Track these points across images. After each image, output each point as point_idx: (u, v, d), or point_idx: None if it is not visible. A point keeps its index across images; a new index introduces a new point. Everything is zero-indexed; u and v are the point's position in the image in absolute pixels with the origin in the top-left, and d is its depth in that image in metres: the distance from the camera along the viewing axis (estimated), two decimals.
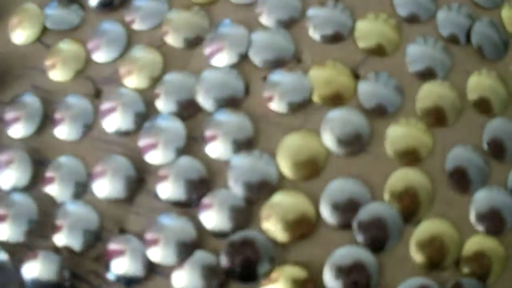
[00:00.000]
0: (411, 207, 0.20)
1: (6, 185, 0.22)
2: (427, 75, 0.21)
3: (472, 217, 0.21)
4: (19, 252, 0.21)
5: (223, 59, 0.21)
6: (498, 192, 0.21)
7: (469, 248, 0.20)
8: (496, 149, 0.21)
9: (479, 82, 0.22)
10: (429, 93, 0.21)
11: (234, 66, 0.21)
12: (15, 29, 0.23)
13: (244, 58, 0.21)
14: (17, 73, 0.23)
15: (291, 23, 0.21)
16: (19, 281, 0.21)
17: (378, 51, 0.21)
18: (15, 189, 0.21)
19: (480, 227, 0.21)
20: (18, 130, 0.22)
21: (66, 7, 0.23)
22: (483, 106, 0.21)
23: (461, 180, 0.21)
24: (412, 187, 0.20)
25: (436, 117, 0.21)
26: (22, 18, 0.23)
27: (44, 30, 0.23)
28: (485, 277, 0.20)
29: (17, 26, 0.23)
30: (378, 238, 0.20)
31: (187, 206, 0.20)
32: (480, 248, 0.20)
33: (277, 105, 0.21)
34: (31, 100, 0.22)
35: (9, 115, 0.22)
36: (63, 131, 0.22)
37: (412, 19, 0.22)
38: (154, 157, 0.21)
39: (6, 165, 0.22)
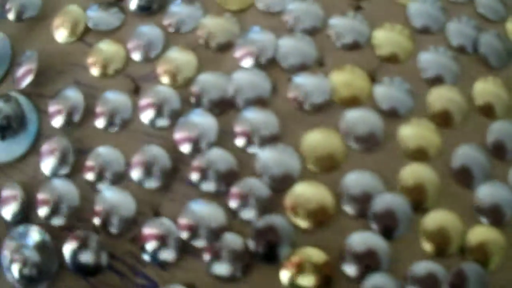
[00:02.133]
0: (419, 199, 0.23)
1: (50, 172, 0.24)
2: (437, 80, 0.24)
3: (475, 209, 0.23)
4: (60, 233, 0.24)
5: (252, 61, 0.24)
6: (499, 187, 0.24)
7: (472, 237, 0.23)
8: (498, 149, 0.24)
9: (485, 88, 0.24)
10: (439, 97, 0.24)
11: (262, 69, 0.24)
12: (58, 29, 0.26)
13: (271, 61, 0.24)
14: (60, 69, 0.25)
15: (314, 31, 0.24)
16: (59, 261, 0.24)
17: (393, 58, 0.24)
18: (57, 176, 0.24)
19: (482, 219, 0.23)
20: (60, 122, 0.25)
21: (106, 10, 0.26)
22: (487, 110, 0.24)
23: (466, 176, 0.24)
24: (421, 181, 0.23)
25: (444, 119, 0.24)
26: (65, 18, 0.26)
27: (86, 30, 0.26)
28: (487, 264, 0.23)
29: (61, 26, 0.26)
30: (390, 226, 0.23)
31: (217, 194, 0.23)
32: (482, 237, 0.23)
33: (300, 105, 0.24)
34: (74, 94, 0.25)
35: (53, 107, 0.25)
36: (103, 124, 0.24)
37: (424, 30, 0.25)
38: (188, 149, 0.24)
39: (49, 153, 0.24)
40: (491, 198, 0.24)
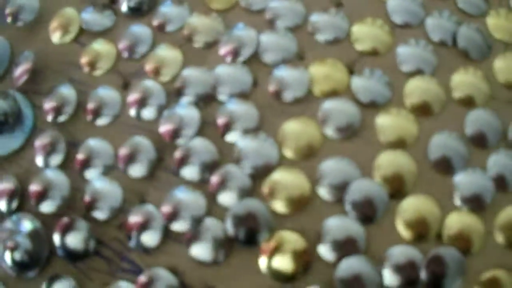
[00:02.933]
0: (396, 185, 0.24)
1: (43, 164, 0.26)
2: (415, 72, 0.25)
3: (454, 195, 0.24)
4: (51, 221, 0.25)
5: (235, 57, 0.25)
6: (477, 174, 0.24)
7: (450, 223, 0.24)
8: (477, 138, 0.25)
9: (464, 79, 0.25)
10: (416, 87, 0.25)
11: (244, 63, 0.25)
12: (55, 30, 0.27)
13: (253, 56, 0.25)
14: (55, 68, 0.27)
15: (296, 27, 0.26)
16: (50, 247, 0.25)
17: (372, 52, 0.25)
18: (50, 167, 0.26)
19: (460, 205, 0.24)
20: (53, 116, 0.26)
21: (100, 12, 0.27)
22: (467, 101, 0.25)
23: (443, 164, 0.24)
24: (397, 168, 0.24)
25: (422, 109, 0.25)
26: (61, 20, 0.27)
27: (80, 31, 0.27)
28: (465, 249, 0.24)
29: (57, 28, 0.27)
30: (366, 212, 0.24)
31: (199, 181, 0.24)
32: (461, 223, 0.24)
33: (279, 96, 0.25)
34: (67, 90, 0.26)
35: (47, 104, 0.26)
36: (93, 118, 0.26)
37: (404, 25, 0.26)
38: (171, 139, 0.25)
39: (43, 146, 0.26)
40: (470, 184, 0.24)
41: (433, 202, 0.24)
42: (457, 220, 0.24)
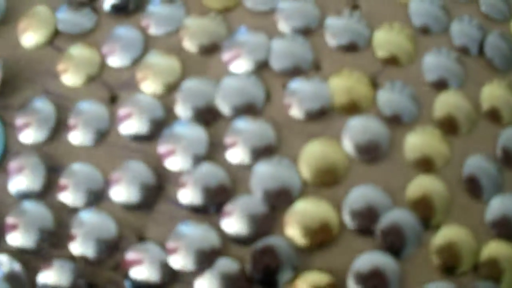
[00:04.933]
0: (428, 214, 0.22)
1: (18, 193, 0.22)
2: (441, 84, 0.23)
3: (487, 223, 0.22)
4: (33, 261, 0.22)
5: (241, 66, 0.22)
6: (510, 198, 0.22)
7: (485, 254, 0.22)
8: (508, 158, 0.23)
9: (491, 92, 0.23)
10: (444, 103, 0.23)
11: (253, 73, 0.22)
12: (25, 33, 0.24)
13: (263, 65, 0.23)
14: (27, 77, 0.23)
15: (308, 31, 0.23)
16: None
17: (394, 60, 0.23)
18: (27, 197, 0.22)
19: (494, 233, 0.22)
20: (30, 136, 0.23)
21: (77, 11, 0.24)
22: (494, 115, 0.23)
23: (475, 188, 0.22)
24: (429, 194, 0.22)
25: (450, 126, 0.23)
26: (32, 21, 0.24)
27: (56, 34, 0.24)
28: (499, 280, 0.22)
29: (27, 29, 0.24)
30: (398, 243, 0.21)
31: (208, 213, 0.21)
32: (495, 253, 0.22)
33: (297, 112, 0.22)
34: (44, 105, 0.23)
35: (20, 120, 0.23)
36: (77, 137, 0.22)
37: (426, 30, 0.23)
38: (173, 164, 0.22)
39: (17, 172, 0.22)
40: (503, 211, 0.22)
41: (466, 231, 0.22)
42: (491, 250, 0.22)
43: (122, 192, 0.22)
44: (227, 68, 0.22)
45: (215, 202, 0.21)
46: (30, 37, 0.23)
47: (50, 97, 0.23)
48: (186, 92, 0.22)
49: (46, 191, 0.22)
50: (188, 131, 0.22)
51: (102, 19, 0.24)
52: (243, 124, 0.22)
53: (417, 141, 0.22)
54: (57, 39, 0.23)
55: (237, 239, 0.21)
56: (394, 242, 0.21)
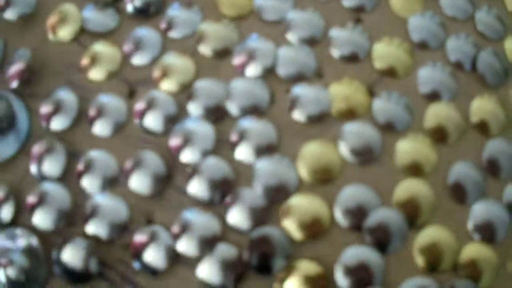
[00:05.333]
0: (414, 214, 0.24)
1: (39, 174, 0.25)
2: (434, 96, 0.25)
3: (469, 226, 0.24)
4: (49, 238, 0.24)
5: (250, 70, 0.25)
6: (493, 205, 0.24)
7: (465, 255, 0.24)
8: (493, 167, 0.25)
9: (480, 106, 0.25)
10: (435, 113, 0.25)
11: (260, 77, 0.25)
12: (53, 27, 0.26)
13: (269, 71, 0.25)
14: (53, 69, 0.26)
15: (314, 41, 0.25)
16: (48, 266, 0.24)
17: (392, 72, 0.25)
18: (47, 178, 0.25)
19: (476, 236, 0.24)
20: (52, 123, 0.25)
21: (102, 11, 0.26)
22: (482, 127, 0.25)
23: (460, 193, 0.24)
24: (415, 197, 0.24)
25: (440, 135, 0.25)
26: (60, 17, 0.26)
27: (81, 31, 0.26)
28: (478, 281, 0.24)
29: (55, 25, 0.26)
30: (383, 240, 0.24)
31: (212, 203, 0.24)
32: (474, 254, 0.24)
33: (298, 115, 0.24)
34: (67, 95, 0.25)
35: (45, 108, 0.25)
36: (96, 127, 0.25)
37: (424, 45, 0.25)
38: (183, 156, 0.24)
39: (39, 155, 0.25)
40: (485, 216, 0.24)
41: (449, 233, 0.24)
42: (472, 251, 0.24)
43: (134, 179, 0.24)
44: (237, 72, 0.25)
45: (218, 193, 0.24)
46: (57, 32, 0.26)
47: (73, 88, 0.25)
48: (198, 91, 0.24)
49: (65, 175, 0.24)
50: (198, 127, 0.24)
51: (125, 19, 0.26)
52: (248, 123, 0.24)
53: (408, 148, 0.24)
54: (82, 36, 0.26)
55: (236, 228, 0.23)
56: (380, 239, 0.24)
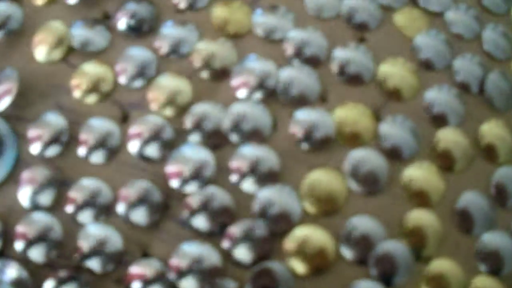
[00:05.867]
0: (420, 246, 0.23)
1: (29, 203, 0.24)
2: (441, 120, 0.24)
3: (477, 258, 0.24)
4: (40, 270, 0.23)
5: (250, 93, 0.24)
6: (501, 235, 0.24)
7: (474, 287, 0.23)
8: (501, 196, 0.24)
9: (489, 131, 0.25)
10: (443, 139, 0.24)
11: (261, 101, 0.24)
12: (40, 47, 0.25)
13: (271, 93, 0.24)
14: (41, 91, 0.25)
15: (316, 62, 0.24)
16: None
17: (397, 94, 0.24)
18: (37, 207, 0.24)
19: (483, 268, 0.24)
20: (41, 148, 0.24)
21: (92, 28, 0.25)
22: (491, 153, 0.25)
23: (467, 223, 0.24)
24: (422, 227, 0.23)
25: (447, 162, 0.24)
26: (48, 35, 0.25)
27: (70, 50, 0.25)
28: None
29: (43, 44, 0.25)
30: (390, 273, 0.23)
31: (211, 235, 0.23)
32: (482, 287, 0.23)
33: (301, 142, 0.23)
34: (56, 119, 0.24)
35: (33, 132, 0.24)
36: (88, 153, 0.24)
37: (429, 65, 0.25)
38: (180, 185, 0.23)
39: (28, 182, 0.24)
40: (492, 247, 0.24)
41: (457, 265, 0.23)
42: (479, 284, 0.24)
43: (129, 209, 0.23)
44: (236, 94, 0.24)
45: (218, 224, 0.23)
46: (44, 51, 0.25)
47: (62, 111, 0.24)
48: (196, 115, 0.23)
49: (56, 204, 0.23)
50: (196, 154, 0.23)
51: (116, 38, 0.25)
52: (249, 150, 0.23)
53: (414, 176, 0.24)
54: (71, 55, 0.25)
55: (238, 261, 0.23)
56: (386, 271, 0.23)
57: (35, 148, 0.24)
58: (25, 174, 0.24)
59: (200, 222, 0.23)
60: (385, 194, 0.23)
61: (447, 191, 0.24)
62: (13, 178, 0.24)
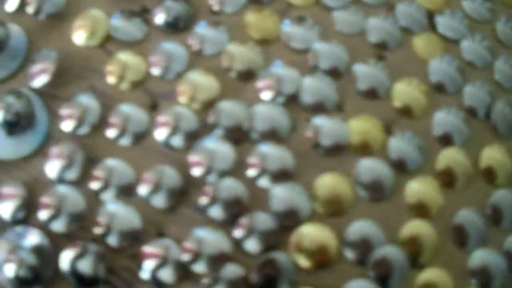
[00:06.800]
0: (416, 254, 0.26)
1: (55, 176, 0.26)
2: (446, 140, 0.27)
3: (467, 271, 0.26)
4: (59, 240, 0.25)
5: (272, 95, 0.26)
6: (492, 253, 0.26)
7: None
8: (496, 216, 0.26)
9: (490, 154, 0.27)
10: (446, 157, 0.26)
11: (282, 104, 0.26)
12: (79, 31, 0.27)
13: (292, 98, 0.26)
14: (76, 72, 0.27)
15: (336, 73, 0.26)
16: (55, 267, 0.25)
17: (408, 112, 0.27)
18: (63, 181, 0.26)
19: (473, 281, 0.26)
20: (72, 126, 0.26)
21: (130, 20, 0.27)
22: (490, 175, 0.27)
23: (462, 237, 0.26)
24: (419, 237, 0.26)
25: (448, 179, 0.26)
26: (87, 22, 0.27)
27: (108, 37, 0.27)
28: None
29: (82, 29, 0.27)
30: (385, 275, 0.25)
31: (224, 223, 0.25)
32: None
33: (316, 146, 0.26)
34: (88, 101, 0.26)
35: (65, 111, 0.26)
36: (116, 136, 0.26)
37: (441, 88, 0.27)
38: (200, 174, 0.25)
39: (56, 157, 0.26)
40: (483, 262, 0.26)
41: (448, 276, 0.26)
42: None
43: (150, 191, 0.25)
44: (260, 96, 0.26)
45: (232, 213, 0.25)
46: (83, 36, 0.27)
47: (95, 94, 0.26)
48: (221, 111, 0.26)
49: (81, 179, 0.25)
50: (219, 147, 0.25)
51: (152, 31, 0.27)
52: (267, 148, 0.25)
53: (417, 188, 0.26)
54: (108, 43, 0.27)
55: (246, 249, 0.25)
56: (382, 274, 0.25)
57: (66, 126, 0.26)
58: (55, 149, 0.26)
59: (215, 210, 0.25)
60: (389, 202, 0.26)
61: (446, 206, 0.26)
62: (42, 152, 0.26)
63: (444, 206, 0.26)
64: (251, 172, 0.25)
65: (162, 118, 0.26)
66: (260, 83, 0.26)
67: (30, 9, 0.27)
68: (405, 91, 0.27)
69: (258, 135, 0.26)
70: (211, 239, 0.25)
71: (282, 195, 0.25)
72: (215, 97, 0.26)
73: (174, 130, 0.26)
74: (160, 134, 0.26)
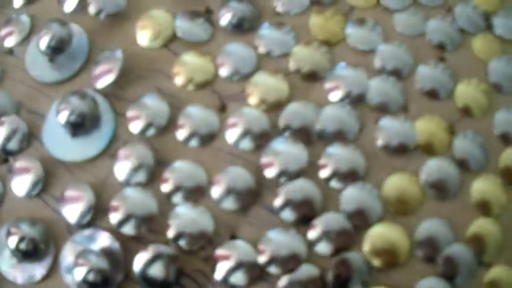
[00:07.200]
0: (481, 251, 0.26)
1: (124, 178, 0.26)
2: (508, 139, 0.27)
3: None
4: (129, 243, 0.25)
5: (341, 96, 0.26)
6: None
7: None
8: None
9: None
10: (508, 156, 0.27)
11: (350, 105, 0.26)
12: (143, 32, 0.27)
13: (359, 99, 0.26)
14: (141, 73, 0.27)
15: (401, 75, 0.27)
16: (126, 271, 0.25)
17: (469, 112, 0.27)
18: (132, 183, 0.26)
19: None
20: (139, 128, 0.26)
21: (194, 20, 0.27)
22: None
23: None
24: (484, 235, 0.26)
25: (510, 178, 0.27)
26: (151, 22, 0.27)
27: (172, 38, 0.27)
28: None
29: (146, 29, 0.27)
30: (453, 273, 0.26)
31: (297, 224, 0.25)
32: None
33: (384, 147, 0.26)
34: (156, 102, 0.26)
35: (132, 112, 0.26)
36: (185, 137, 0.26)
37: (499, 88, 0.28)
38: (273, 175, 0.25)
39: (125, 159, 0.26)
40: None
41: None
42: None
43: (221, 193, 0.25)
44: (328, 97, 0.26)
45: (304, 214, 0.25)
46: (147, 37, 0.27)
47: (162, 95, 0.26)
48: (290, 112, 0.26)
49: (150, 181, 0.26)
50: (290, 148, 0.26)
51: (217, 32, 0.27)
52: (337, 149, 0.26)
53: (481, 187, 0.27)
54: (172, 44, 0.27)
55: (319, 249, 0.25)
56: (450, 272, 0.26)
57: (134, 127, 0.26)
58: (123, 151, 0.26)
59: (288, 212, 0.25)
60: (455, 201, 0.26)
61: (509, 204, 0.27)
62: (108, 153, 0.26)
63: (507, 203, 0.27)
64: (323, 173, 0.26)
65: (231, 119, 0.26)
66: (328, 84, 0.27)
67: (92, 9, 0.27)
68: (466, 92, 0.28)
69: (327, 136, 0.26)
70: (284, 240, 0.25)
71: (353, 195, 0.26)
72: (284, 98, 0.27)
73: (245, 132, 0.26)
74: (231, 135, 0.26)
